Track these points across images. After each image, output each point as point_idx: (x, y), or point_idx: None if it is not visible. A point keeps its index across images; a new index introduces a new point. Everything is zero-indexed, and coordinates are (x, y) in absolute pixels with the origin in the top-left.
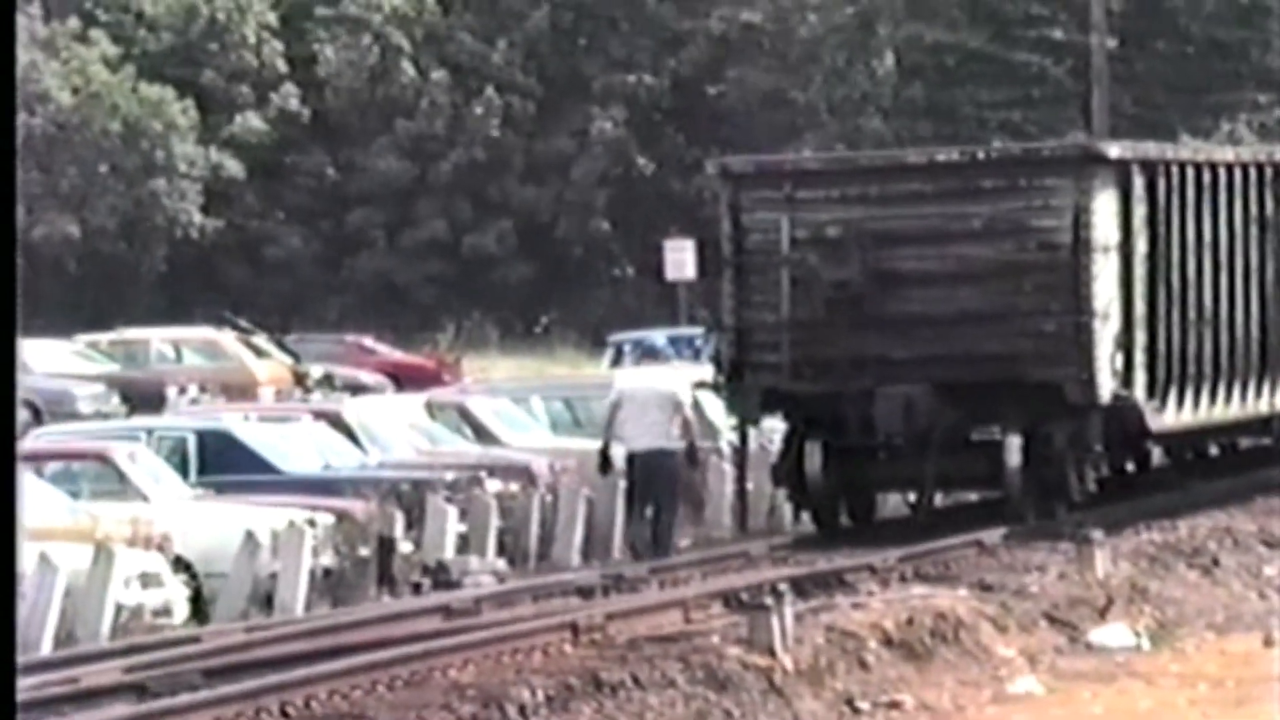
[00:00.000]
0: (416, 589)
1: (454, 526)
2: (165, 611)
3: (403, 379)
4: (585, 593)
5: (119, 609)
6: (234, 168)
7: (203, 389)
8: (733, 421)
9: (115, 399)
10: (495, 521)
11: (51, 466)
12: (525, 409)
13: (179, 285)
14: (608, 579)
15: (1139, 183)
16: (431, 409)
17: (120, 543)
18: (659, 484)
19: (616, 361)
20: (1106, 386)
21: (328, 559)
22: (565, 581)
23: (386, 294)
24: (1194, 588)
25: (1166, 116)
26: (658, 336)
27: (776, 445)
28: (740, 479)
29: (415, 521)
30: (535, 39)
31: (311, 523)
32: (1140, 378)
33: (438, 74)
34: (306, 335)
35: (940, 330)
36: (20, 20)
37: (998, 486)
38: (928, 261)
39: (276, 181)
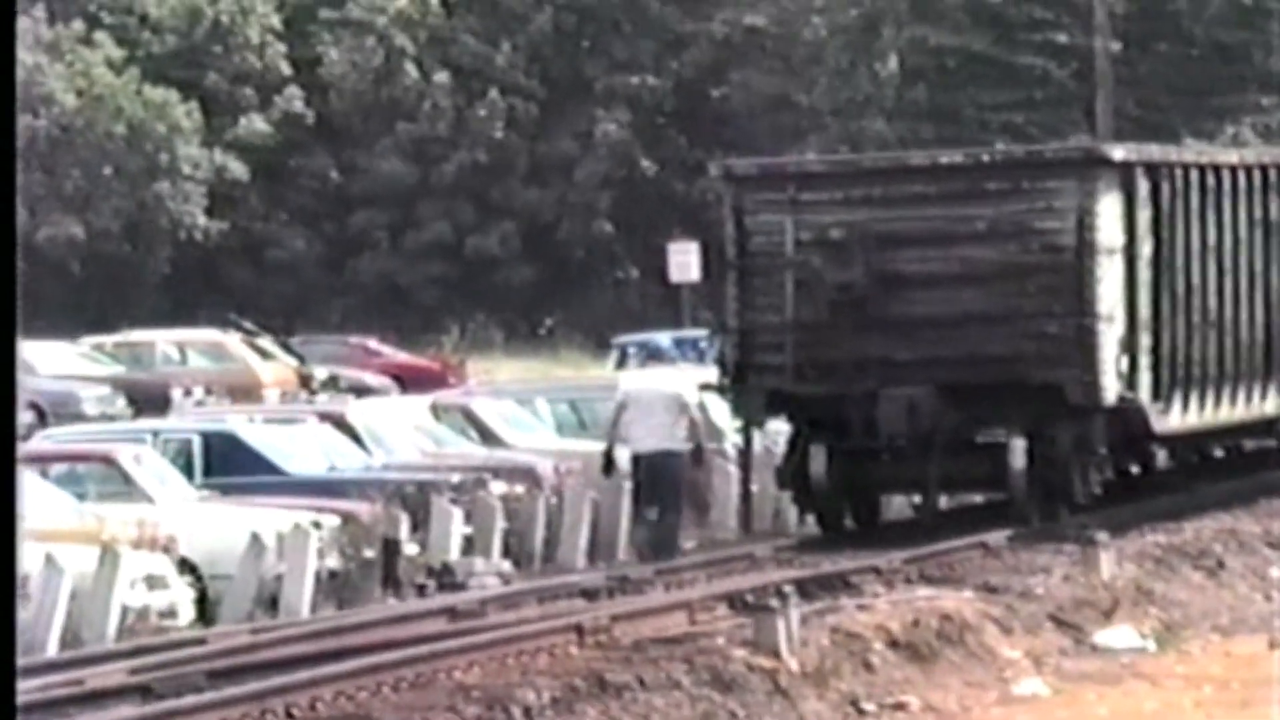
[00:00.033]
0: (421, 591)
1: (459, 528)
2: (170, 613)
3: (407, 381)
4: (590, 594)
5: (124, 610)
6: (238, 170)
7: (208, 391)
8: (737, 423)
9: (120, 401)
10: (500, 523)
11: (57, 468)
12: (530, 411)
13: (183, 287)
14: (613, 581)
15: (1143, 185)
16: (436, 411)
17: (126, 544)
18: (664, 486)
19: (621, 363)
20: (1111, 389)
21: (333, 561)
22: (570, 583)
23: (390, 296)
24: (1199, 590)
25: (1170, 119)
26: (662, 338)
27: (781, 447)
28: (745, 481)
29: (420, 523)
30: (539, 41)
31: (316, 524)
32: (1145, 380)
33: (441, 76)
34: (311, 337)
35: (944, 332)
36: (25, 23)
37: (1002, 488)
38: (931, 263)
39: (280, 183)
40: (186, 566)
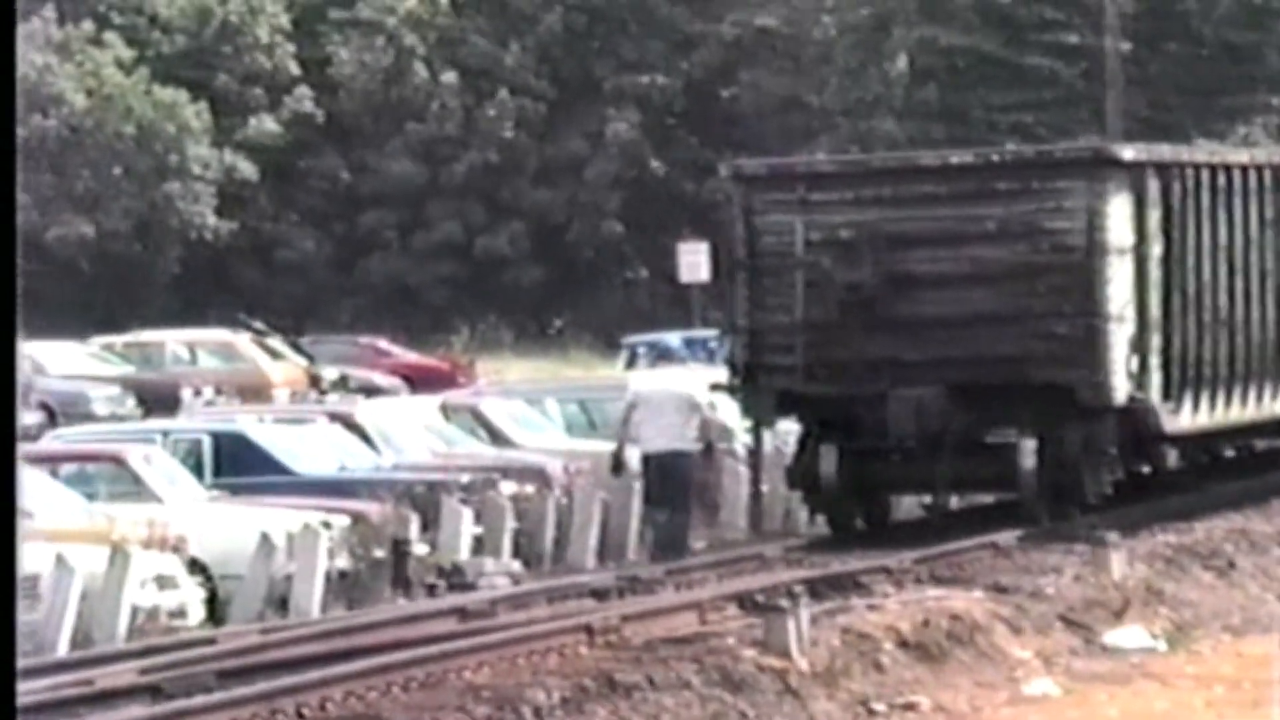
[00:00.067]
0: (431, 591)
1: (469, 528)
2: (180, 613)
3: (417, 381)
4: (600, 594)
5: (135, 610)
6: (247, 170)
7: (218, 391)
8: (747, 423)
9: (130, 401)
10: (510, 523)
11: (67, 468)
12: (540, 411)
13: (192, 287)
14: (623, 581)
15: (1153, 185)
16: (446, 411)
17: (136, 545)
18: (673, 486)
19: (631, 364)
20: (1121, 389)
21: (343, 561)
22: (580, 583)
23: (399, 296)
24: (1210, 590)
25: (1180, 119)
26: (672, 338)
27: (791, 447)
28: (755, 481)
29: (430, 523)
30: (548, 41)
31: (326, 525)
32: (1155, 380)
33: (451, 76)
34: (321, 337)
35: (954, 332)
36: (34, 23)
37: (1012, 489)
38: (941, 264)
39: (290, 184)
40: (196, 566)
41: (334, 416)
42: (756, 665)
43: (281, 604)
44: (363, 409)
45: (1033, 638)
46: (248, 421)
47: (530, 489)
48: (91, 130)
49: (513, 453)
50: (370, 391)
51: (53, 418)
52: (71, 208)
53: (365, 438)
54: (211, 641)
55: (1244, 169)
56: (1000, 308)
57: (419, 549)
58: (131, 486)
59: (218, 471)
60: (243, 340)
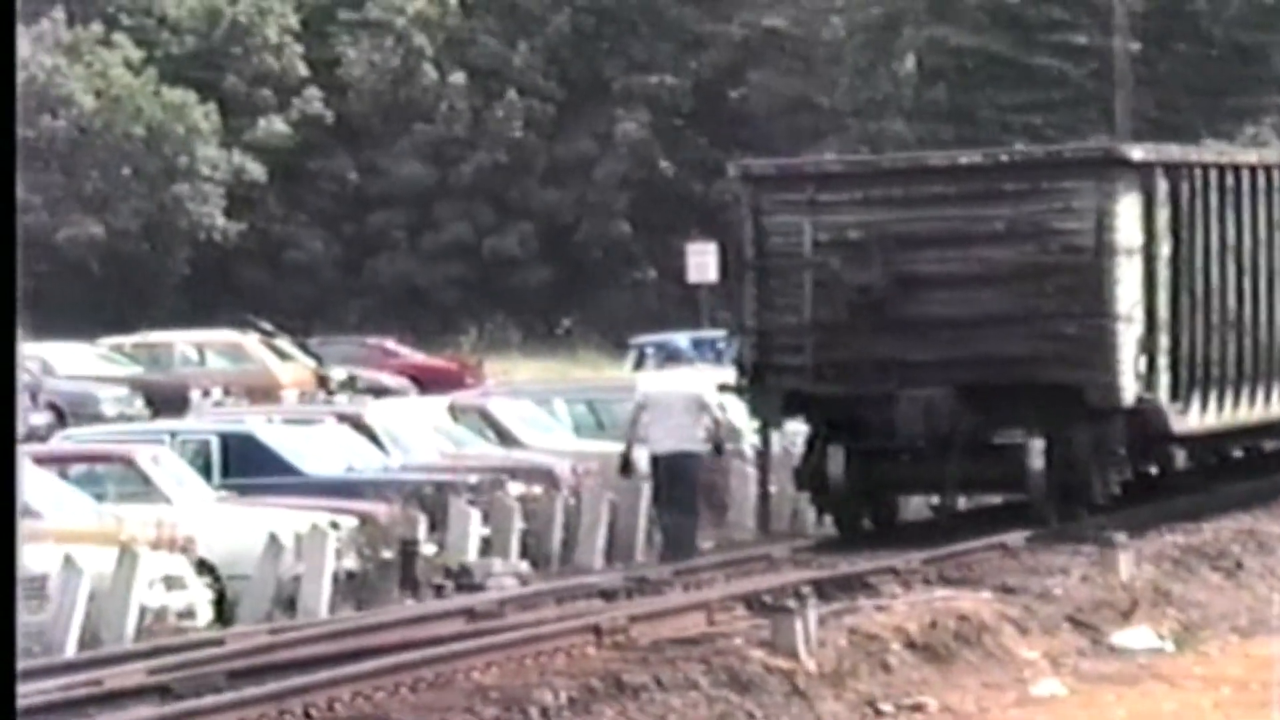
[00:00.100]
0: (439, 591)
1: (477, 529)
2: (189, 614)
3: (425, 381)
4: (608, 595)
5: (143, 611)
6: (256, 171)
7: (226, 392)
8: (755, 424)
9: (139, 402)
10: (518, 524)
11: (76, 469)
12: (548, 411)
13: (201, 288)
14: (630, 581)
15: (1162, 185)
16: (454, 411)
17: (144, 545)
18: (681, 486)
19: (639, 364)
20: (1129, 389)
21: (351, 561)
22: (588, 584)
23: (408, 297)
24: (1217, 590)
25: (1189, 119)
26: (680, 339)
27: (799, 448)
28: (763, 481)
29: (438, 524)
30: (557, 42)
31: (335, 525)
32: (1163, 380)
33: (459, 77)
34: (329, 338)
35: (962, 333)
36: (44, 25)
37: (1020, 489)
38: (950, 264)
39: (298, 185)
40: (205, 567)
41: (342, 417)
42: (764, 666)
43: (289, 604)
44: (371, 410)
45: (1040, 638)
46: (256, 422)
47: (538, 490)
48: (100, 131)
49: (521, 453)
50: (378, 392)
51: (62, 418)
52: (81, 208)
53: (373, 438)
54: (220, 642)
55: (1253, 169)
56: (1009, 308)
57: (427, 549)
58: (140, 487)
59: (226, 472)
60: (251, 341)
